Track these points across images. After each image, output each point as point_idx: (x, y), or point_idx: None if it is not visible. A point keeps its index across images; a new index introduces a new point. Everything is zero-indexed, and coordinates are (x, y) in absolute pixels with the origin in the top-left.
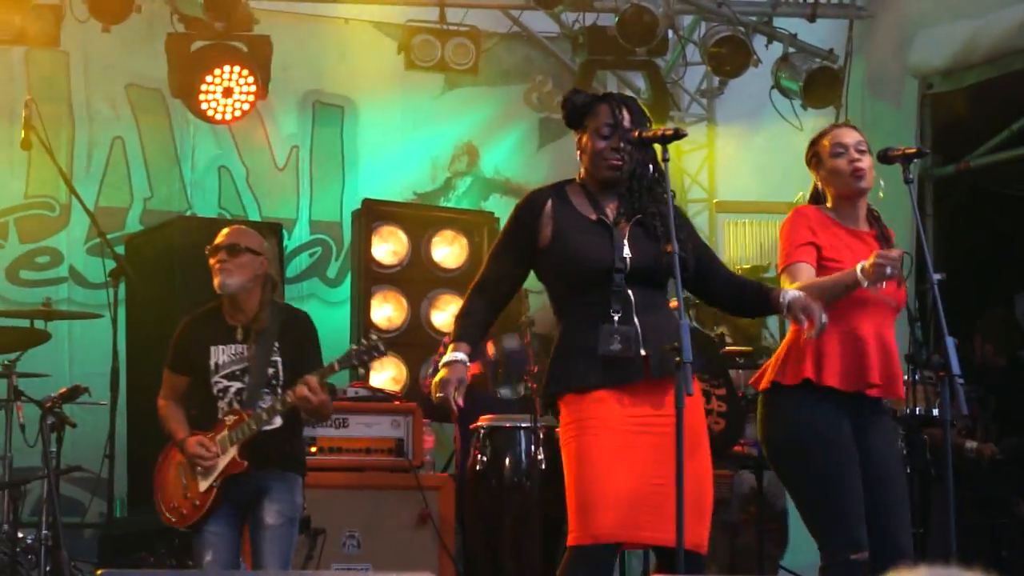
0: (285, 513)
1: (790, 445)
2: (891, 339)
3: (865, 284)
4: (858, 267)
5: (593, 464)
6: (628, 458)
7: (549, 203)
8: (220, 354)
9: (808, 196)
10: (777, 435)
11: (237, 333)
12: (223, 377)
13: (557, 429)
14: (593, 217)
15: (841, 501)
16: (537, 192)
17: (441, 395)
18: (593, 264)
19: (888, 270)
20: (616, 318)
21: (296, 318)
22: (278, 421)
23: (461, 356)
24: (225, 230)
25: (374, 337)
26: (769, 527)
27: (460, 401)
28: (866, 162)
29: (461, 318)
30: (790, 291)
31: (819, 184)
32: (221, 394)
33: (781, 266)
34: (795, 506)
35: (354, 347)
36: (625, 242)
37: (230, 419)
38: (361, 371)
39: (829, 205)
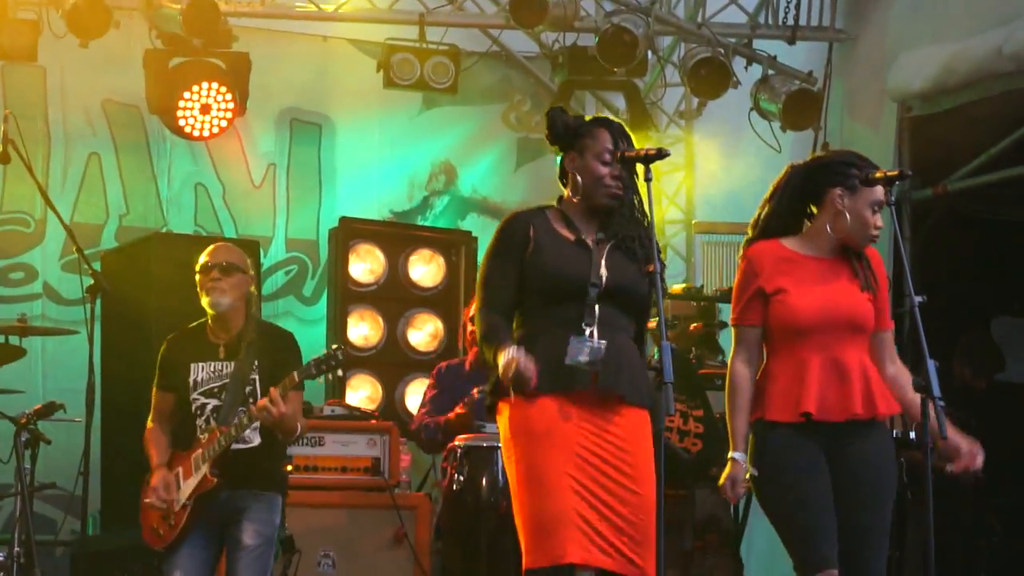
0: (263, 533)
1: (761, 473)
2: (866, 360)
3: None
4: (730, 454)
5: (543, 483)
6: (575, 477)
7: (530, 222)
8: (200, 371)
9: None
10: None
11: (219, 351)
12: (201, 394)
13: None
14: (572, 238)
15: (808, 522)
16: (517, 213)
17: (518, 370)
18: (569, 278)
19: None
20: (588, 332)
21: (278, 336)
22: (256, 439)
23: (516, 349)
24: (212, 248)
25: (335, 347)
26: (724, 552)
27: (534, 371)
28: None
29: (492, 332)
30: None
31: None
32: (199, 411)
33: (731, 320)
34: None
35: (314, 358)
36: (603, 261)
37: (204, 437)
38: (330, 376)
39: (803, 232)
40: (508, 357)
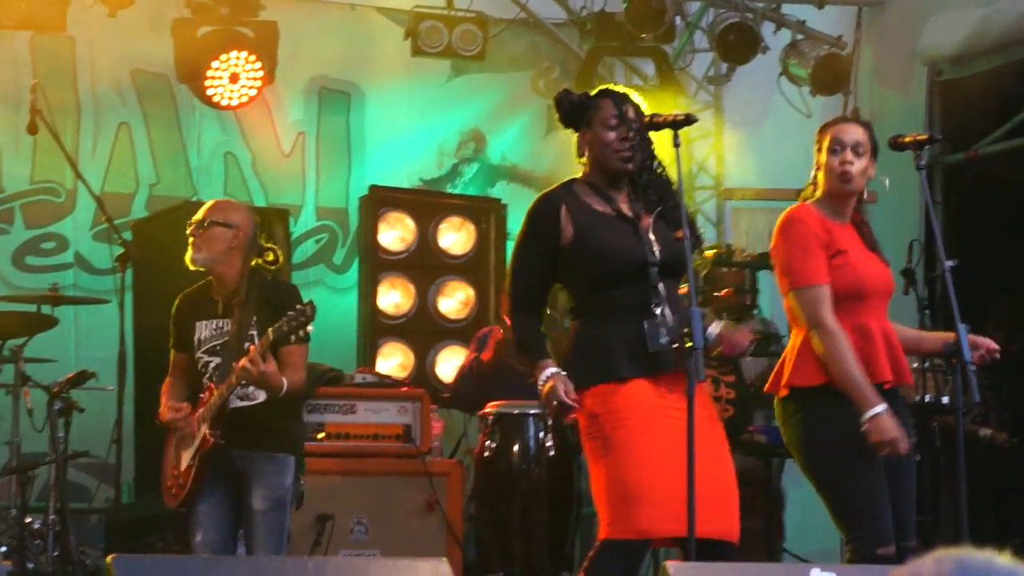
0: (271, 497)
1: (817, 446)
2: (889, 327)
3: (867, 435)
4: (869, 413)
5: (634, 457)
6: (664, 452)
7: (562, 203)
8: (203, 329)
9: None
10: (803, 437)
11: (218, 308)
12: (204, 352)
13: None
14: (611, 212)
15: (868, 497)
16: (547, 194)
17: (556, 403)
18: (624, 258)
19: (885, 450)
20: (658, 312)
21: (277, 290)
22: (260, 396)
23: (553, 369)
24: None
25: (306, 302)
26: (769, 511)
27: (573, 397)
28: (857, 166)
29: (527, 340)
30: (879, 408)
31: (815, 172)
32: (204, 370)
33: (793, 284)
34: (824, 502)
35: (285, 316)
36: (652, 236)
37: (205, 395)
38: (301, 333)
39: (818, 195)
40: (547, 381)
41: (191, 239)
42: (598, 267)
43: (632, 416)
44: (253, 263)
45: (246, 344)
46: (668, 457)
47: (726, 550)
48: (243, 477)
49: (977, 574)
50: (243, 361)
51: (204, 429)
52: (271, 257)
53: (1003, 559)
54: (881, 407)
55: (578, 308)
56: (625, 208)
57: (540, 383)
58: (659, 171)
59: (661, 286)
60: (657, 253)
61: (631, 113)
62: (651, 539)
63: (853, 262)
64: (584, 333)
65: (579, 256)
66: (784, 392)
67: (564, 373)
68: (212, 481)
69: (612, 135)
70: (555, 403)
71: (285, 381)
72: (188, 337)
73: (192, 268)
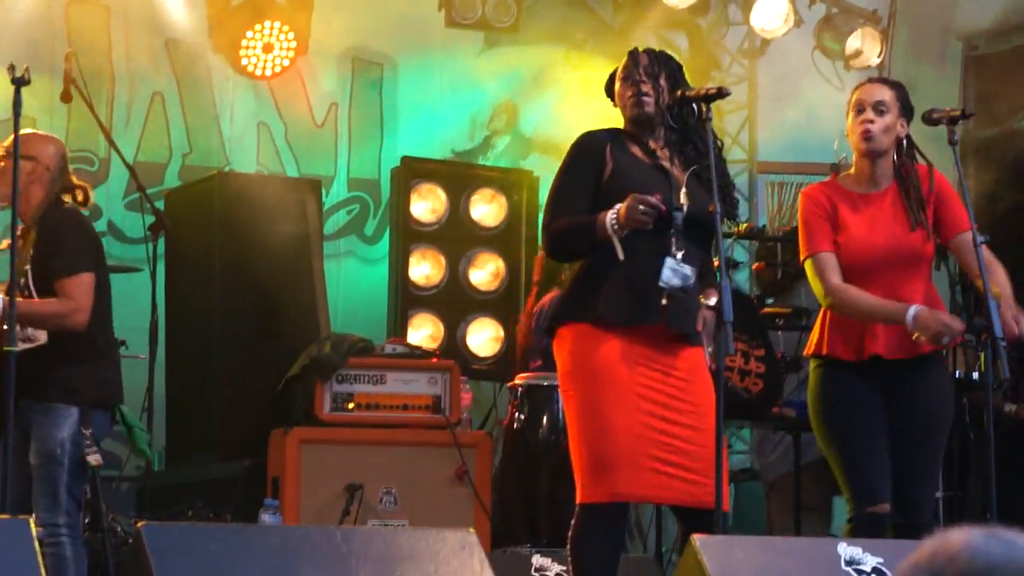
0: (41, 451)
1: (821, 411)
2: (929, 292)
3: (913, 334)
4: (910, 314)
5: (604, 418)
6: (637, 413)
7: (607, 141)
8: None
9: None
10: (812, 402)
11: (19, 243)
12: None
13: None
14: (648, 160)
15: (858, 458)
16: (592, 132)
17: (642, 207)
18: None
19: (945, 339)
20: (678, 256)
21: (50, 219)
22: (41, 338)
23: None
24: None
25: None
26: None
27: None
28: (879, 124)
29: (567, 222)
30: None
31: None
32: None
33: (804, 255)
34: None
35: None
36: (683, 188)
37: None
38: (56, 263)
39: (852, 162)
40: (617, 211)
41: None
42: None
43: (609, 378)
44: (67, 202)
45: (21, 279)
46: (645, 420)
47: (704, 518)
48: (26, 428)
49: (1002, 549)
50: None
51: None
52: (80, 197)
53: None
54: (914, 308)
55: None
56: (663, 159)
57: (610, 219)
58: (703, 133)
59: (682, 239)
60: (684, 205)
61: (644, 61)
62: (629, 502)
63: (855, 236)
64: (587, 270)
65: (610, 194)
66: (805, 352)
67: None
68: (8, 433)
69: (621, 85)
70: (640, 208)
71: (47, 311)
72: None
73: None
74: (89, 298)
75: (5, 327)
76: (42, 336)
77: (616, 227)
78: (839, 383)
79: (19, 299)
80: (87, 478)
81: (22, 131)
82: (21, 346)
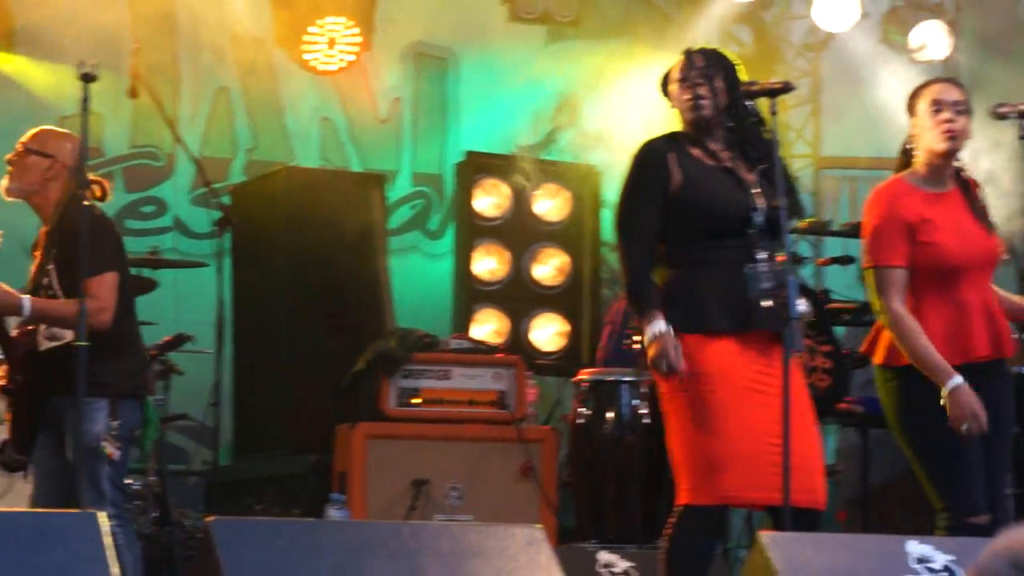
0: (80, 448)
1: (913, 420)
2: (992, 298)
3: (946, 410)
4: (951, 384)
5: (716, 420)
6: (751, 417)
7: (669, 150)
8: (32, 265)
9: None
10: (899, 411)
11: (39, 243)
12: (22, 291)
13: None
14: (714, 164)
15: (960, 468)
16: (652, 142)
17: (665, 368)
18: (733, 210)
19: (964, 427)
20: (761, 259)
21: (71, 218)
22: (68, 336)
23: (663, 326)
24: None
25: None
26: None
27: (684, 365)
28: (960, 123)
29: (641, 286)
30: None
31: (911, 138)
32: None
33: (869, 262)
34: (917, 472)
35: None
36: (757, 189)
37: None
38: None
39: (917, 162)
40: (655, 337)
41: (8, 168)
42: (706, 217)
43: (721, 380)
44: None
45: (44, 280)
46: (755, 423)
47: (814, 518)
48: (60, 426)
49: None
50: None
51: (1, 372)
52: (98, 192)
53: None
54: (956, 381)
55: (673, 258)
56: (727, 161)
57: (648, 338)
58: (761, 131)
59: (763, 242)
60: (761, 209)
61: (699, 62)
62: (731, 504)
63: (940, 239)
64: (677, 282)
65: (685, 204)
66: (880, 361)
67: (671, 331)
68: (43, 430)
69: (678, 87)
70: (664, 364)
71: (72, 311)
72: None
73: (7, 199)
74: (113, 296)
75: (31, 328)
76: (68, 334)
77: (646, 345)
78: (928, 389)
79: (44, 300)
80: (127, 465)
81: (41, 127)
82: (46, 344)
